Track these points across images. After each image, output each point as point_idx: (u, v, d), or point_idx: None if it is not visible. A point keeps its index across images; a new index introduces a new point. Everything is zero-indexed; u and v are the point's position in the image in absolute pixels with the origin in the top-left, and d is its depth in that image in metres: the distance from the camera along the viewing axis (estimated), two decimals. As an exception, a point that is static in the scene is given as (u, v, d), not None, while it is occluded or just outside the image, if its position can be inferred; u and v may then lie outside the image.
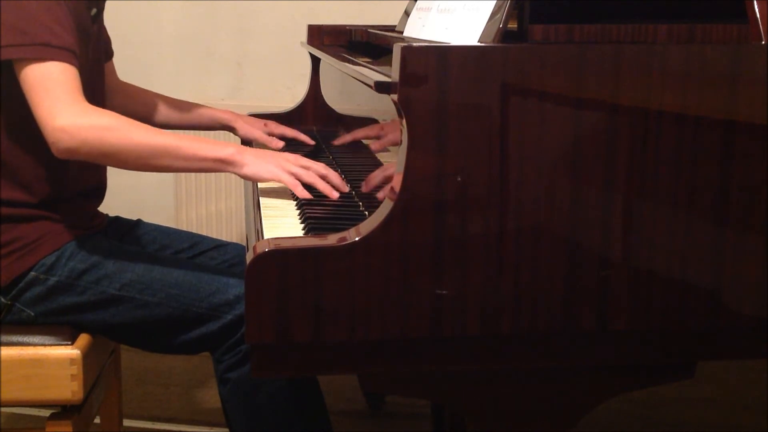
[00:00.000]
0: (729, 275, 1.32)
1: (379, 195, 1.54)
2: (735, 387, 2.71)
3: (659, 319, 1.33)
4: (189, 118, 2.07)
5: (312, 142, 2.07)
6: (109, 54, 1.96)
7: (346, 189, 1.62)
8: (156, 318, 1.65)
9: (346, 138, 1.97)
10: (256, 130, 2.06)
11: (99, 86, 1.83)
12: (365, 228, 1.25)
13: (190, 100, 3.14)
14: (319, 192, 1.62)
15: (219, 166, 1.60)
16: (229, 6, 3.16)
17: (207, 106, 2.10)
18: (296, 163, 1.61)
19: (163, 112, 2.05)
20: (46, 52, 1.55)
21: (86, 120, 1.55)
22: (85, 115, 1.56)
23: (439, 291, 1.27)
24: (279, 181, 1.60)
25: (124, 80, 2.08)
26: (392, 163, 1.32)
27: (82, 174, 1.72)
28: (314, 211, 1.53)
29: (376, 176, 1.59)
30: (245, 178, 1.61)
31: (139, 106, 2.02)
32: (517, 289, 1.28)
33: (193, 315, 1.63)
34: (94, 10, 1.74)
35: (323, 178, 1.60)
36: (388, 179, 1.48)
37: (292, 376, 1.56)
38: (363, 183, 1.62)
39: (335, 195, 1.58)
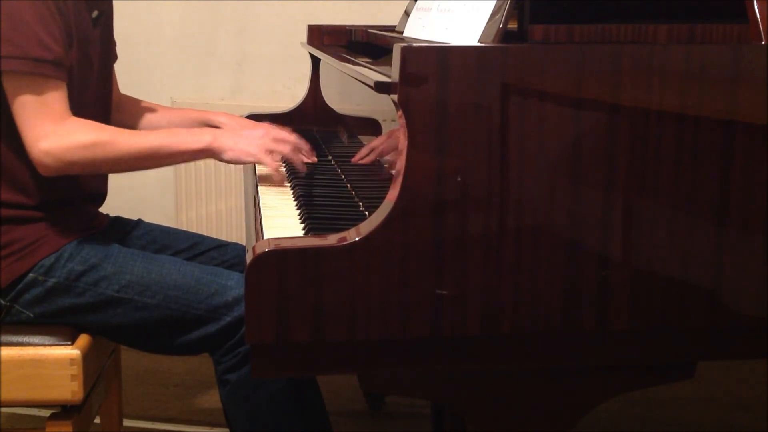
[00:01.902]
0: (729, 275, 1.32)
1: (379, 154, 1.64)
2: (735, 387, 2.71)
3: (659, 319, 1.33)
4: (183, 126, 1.99)
5: (314, 160, 1.92)
6: (114, 56, 1.94)
7: (314, 159, 1.73)
8: (155, 319, 1.65)
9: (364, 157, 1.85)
10: None
11: (105, 89, 1.83)
12: (365, 228, 1.25)
13: (190, 100, 3.14)
14: (319, 193, 1.63)
15: (200, 155, 1.68)
16: (229, 6, 3.16)
17: (199, 110, 2.06)
18: (270, 137, 1.70)
19: (155, 122, 2.00)
20: (35, 67, 1.55)
21: (71, 140, 1.57)
22: (70, 134, 1.58)
23: (439, 291, 1.27)
24: (259, 163, 1.71)
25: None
26: (395, 130, 1.31)
27: (82, 177, 1.72)
28: (314, 211, 1.53)
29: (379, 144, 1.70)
30: (227, 161, 1.69)
31: (131, 116, 1.99)
32: (517, 289, 1.28)
33: (192, 317, 1.63)
34: (95, 12, 1.72)
35: (297, 149, 1.73)
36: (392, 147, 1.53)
37: (292, 376, 1.57)
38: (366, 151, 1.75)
39: (303, 168, 1.72)
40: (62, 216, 1.70)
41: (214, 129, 1.81)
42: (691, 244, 1.31)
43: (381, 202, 1.28)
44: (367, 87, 1.39)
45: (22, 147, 1.62)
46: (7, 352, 1.63)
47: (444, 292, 1.27)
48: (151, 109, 2.01)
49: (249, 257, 1.25)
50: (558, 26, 1.38)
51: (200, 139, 1.67)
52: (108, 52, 1.84)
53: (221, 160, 1.68)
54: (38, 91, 1.56)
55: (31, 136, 1.56)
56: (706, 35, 1.40)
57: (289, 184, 1.74)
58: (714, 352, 1.40)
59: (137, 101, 2.02)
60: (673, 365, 1.41)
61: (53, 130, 1.56)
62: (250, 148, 1.67)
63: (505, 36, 1.35)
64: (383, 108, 1.64)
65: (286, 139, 1.71)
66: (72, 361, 1.63)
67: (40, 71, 1.55)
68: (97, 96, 1.77)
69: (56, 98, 1.58)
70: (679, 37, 1.39)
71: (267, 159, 1.67)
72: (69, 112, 1.60)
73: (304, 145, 1.76)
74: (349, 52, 2.14)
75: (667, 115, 1.28)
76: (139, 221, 2.00)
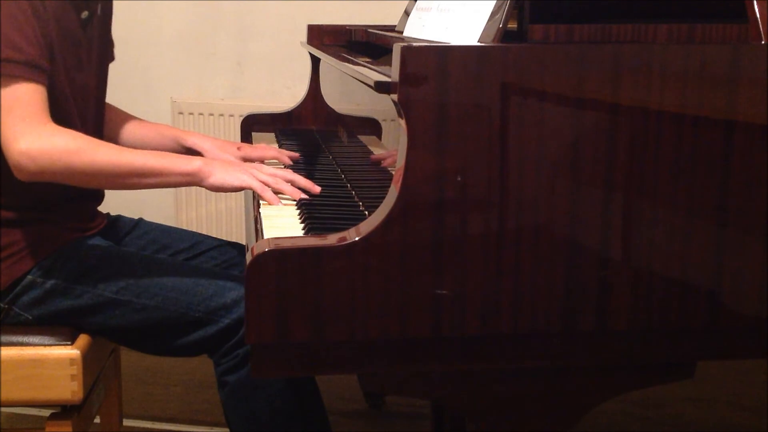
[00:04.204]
0: (729, 275, 1.32)
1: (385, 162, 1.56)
2: (735, 387, 2.71)
3: (659, 319, 1.32)
4: (155, 141, 1.95)
5: (296, 155, 1.93)
6: (111, 57, 1.92)
7: (317, 190, 1.61)
8: (153, 321, 1.64)
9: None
10: (226, 156, 1.90)
11: (102, 91, 1.82)
12: (365, 228, 1.25)
13: (190, 100, 3.14)
14: (319, 192, 1.63)
15: (187, 180, 1.59)
16: (229, 6, 3.16)
17: (176, 129, 2.02)
18: (262, 170, 1.62)
19: (129, 133, 1.96)
20: (8, 69, 1.51)
21: (48, 143, 1.52)
22: (47, 137, 1.52)
23: (439, 291, 1.27)
24: (248, 188, 1.60)
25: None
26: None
27: None
28: (314, 211, 1.53)
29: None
30: (213, 189, 1.60)
31: (107, 122, 1.93)
32: (517, 289, 1.28)
33: (190, 318, 1.63)
34: (85, 13, 1.70)
35: (290, 183, 1.61)
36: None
37: (292, 376, 1.56)
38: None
39: (299, 196, 1.59)
40: (60, 217, 1.70)
41: (204, 158, 1.74)
42: (691, 244, 1.31)
43: (381, 202, 1.28)
44: (367, 87, 1.39)
45: None
46: (7, 352, 1.63)
47: (444, 292, 1.27)
48: (122, 117, 1.98)
49: (249, 257, 1.25)
50: (558, 26, 1.38)
51: (188, 162, 1.59)
52: (104, 54, 1.83)
53: (206, 186, 1.59)
54: (12, 92, 1.51)
55: (7, 136, 1.51)
56: (706, 35, 1.39)
57: (283, 203, 1.69)
58: (714, 352, 1.40)
59: (109, 106, 1.98)
60: (673, 365, 1.41)
61: (31, 131, 1.51)
62: (239, 174, 1.59)
63: (505, 36, 1.34)
64: (383, 108, 1.64)
65: (277, 175, 1.63)
66: (72, 361, 1.63)
67: (9, 72, 1.51)
68: (91, 97, 1.75)
69: (31, 99, 1.53)
70: (679, 37, 1.39)
71: (255, 183, 1.59)
72: (48, 115, 1.55)
73: (301, 181, 1.63)
74: (349, 51, 2.14)
75: (667, 115, 1.28)
76: (140, 221, 2.00)
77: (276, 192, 1.60)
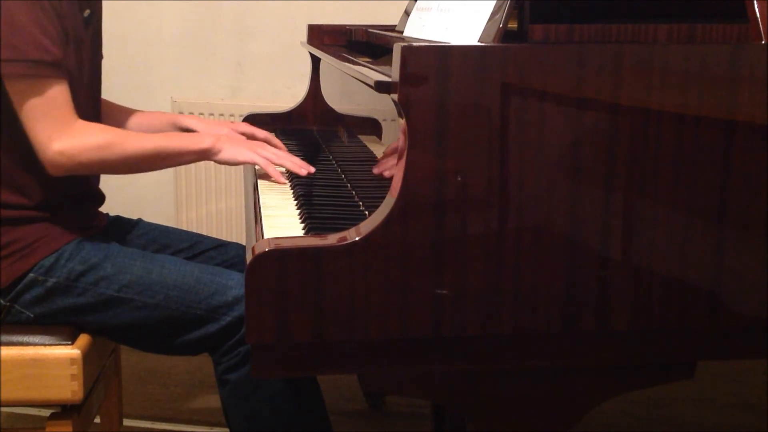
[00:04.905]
0: (729, 275, 1.32)
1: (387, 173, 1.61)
2: (735, 387, 2.71)
3: (659, 319, 1.33)
4: (156, 127, 1.99)
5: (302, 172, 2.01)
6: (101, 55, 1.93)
7: (312, 169, 1.75)
8: (155, 320, 1.65)
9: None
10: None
11: (96, 89, 1.83)
12: (365, 228, 1.25)
13: (190, 100, 3.14)
14: (319, 192, 1.63)
15: (201, 156, 1.74)
16: (229, 6, 3.16)
17: (171, 114, 2.10)
18: (265, 148, 1.78)
19: (132, 123, 2.00)
20: (36, 69, 1.55)
21: (83, 141, 1.60)
22: (81, 136, 1.60)
23: (439, 291, 1.27)
24: (253, 163, 1.76)
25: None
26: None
27: (80, 177, 1.72)
28: (314, 210, 1.53)
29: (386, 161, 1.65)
30: (222, 162, 1.75)
31: (105, 117, 1.96)
32: (517, 289, 1.28)
33: (191, 317, 1.63)
34: (87, 11, 1.72)
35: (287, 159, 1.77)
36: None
37: (292, 376, 1.57)
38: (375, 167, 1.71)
39: (304, 173, 1.73)
40: (62, 216, 1.70)
41: (213, 133, 1.85)
42: (691, 244, 1.31)
43: (381, 202, 1.28)
44: (367, 87, 1.39)
45: (20, 148, 1.62)
46: (7, 352, 1.63)
47: (444, 292, 1.27)
48: (123, 111, 2.01)
49: (249, 257, 1.25)
50: (558, 26, 1.38)
51: (201, 140, 1.73)
52: (98, 52, 1.84)
53: (216, 160, 1.74)
54: (42, 93, 1.56)
55: (43, 138, 1.57)
56: (706, 35, 1.39)
57: (288, 183, 1.74)
58: (714, 352, 1.40)
59: (107, 102, 2.01)
60: (673, 365, 1.41)
61: (65, 131, 1.58)
62: (245, 151, 1.74)
63: (505, 36, 1.34)
64: (383, 108, 1.64)
65: (278, 153, 1.79)
66: (72, 360, 1.63)
67: (39, 73, 1.55)
68: (88, 95, 1.76)
69: (61, 99, 1.58)
70: (679, 37, 1.39)
71: (260, 159, 1.74)
72: (74, 111, 1.60)
73: (297, 161, 1.79)
74: (349, 51, 2.14)
75: (667, 115, 1.28)
76: (139, 221, 2.00)
77: (300, 185, 1.68)
